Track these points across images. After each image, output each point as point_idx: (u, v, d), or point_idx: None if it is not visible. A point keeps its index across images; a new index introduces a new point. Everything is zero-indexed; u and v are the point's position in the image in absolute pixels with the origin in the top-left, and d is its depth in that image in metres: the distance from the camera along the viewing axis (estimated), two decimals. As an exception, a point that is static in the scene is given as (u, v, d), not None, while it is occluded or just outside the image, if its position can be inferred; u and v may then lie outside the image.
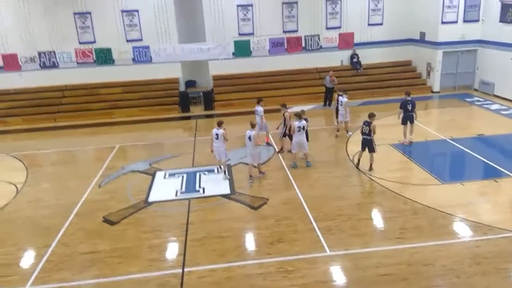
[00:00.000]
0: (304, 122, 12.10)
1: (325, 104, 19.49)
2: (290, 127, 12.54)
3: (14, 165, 14.04)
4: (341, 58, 22.50)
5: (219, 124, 11.86)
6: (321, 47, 22.21)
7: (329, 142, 14.81)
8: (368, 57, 22.22)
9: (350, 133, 14.90)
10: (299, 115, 12.20)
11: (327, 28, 22.14)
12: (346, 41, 22.26)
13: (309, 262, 7.86)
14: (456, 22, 20.26)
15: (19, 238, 9.41)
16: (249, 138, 11.54)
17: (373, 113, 11.75)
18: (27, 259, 8.58)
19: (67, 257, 8.46)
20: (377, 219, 9.48)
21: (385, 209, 9.73)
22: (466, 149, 13.18)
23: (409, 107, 13.68)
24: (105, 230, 9.47)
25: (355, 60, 22.20)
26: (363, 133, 11.78)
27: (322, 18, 22.01)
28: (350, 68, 22.31)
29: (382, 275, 7.38)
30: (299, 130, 12.02)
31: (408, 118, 13.73)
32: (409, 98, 13.73)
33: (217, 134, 11.82)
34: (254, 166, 11.94)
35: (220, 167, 12.44)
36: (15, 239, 9.32)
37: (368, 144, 11.67)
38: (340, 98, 14.98)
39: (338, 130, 15.28)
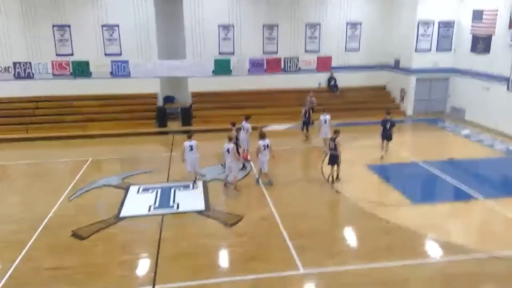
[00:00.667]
0: (267, 141, 12.32)
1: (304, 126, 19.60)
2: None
3: (-20, 177, 13.52)
4: (318, 80, 22.97)
5: (190, 137, 12.35)
6: (299, 69, 22.64)
7: (305, 161, 14.94)
8: (345, 80, 22.79)
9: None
10: (263, 135, 12.47)
11: (306, 51, 22.65)
12: (324, 64, 22.79)
13: (282, 280, 7.80)
14: (429, 50, 21.11)
15: (-19, 252, 8.97)
16: (227, 150, 11.75)
17: (337, 130, 12.54)
18: (-11, 274, 8.18)
19: (33, 273, 8.11)
20: (351, 238, 9.54)
21: (359, 228, 9.82)
22: (437, 172, 13.52)
23: (387, 125, 14.52)
24: (73, 245, 9.16)
25: (332, 83, 22.71)
26: (330, 149, 12.47)
27: (301, 41, 22.52)
28: (327, 90, 22.77)
29: (354, 294, 7.38)
30: (264, 149, 12.23)
31: (385, 135, 14.64)
32: (388, 118, 14.65)
33: (191, 146, 12.06)
34: (228, 183, 12.01)
35: (195, 181, 12.40)
36: (-23, 253, 8.88)
37: (334, 159, 12.27)
38: (323, 117, 15.48)
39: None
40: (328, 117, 15.48)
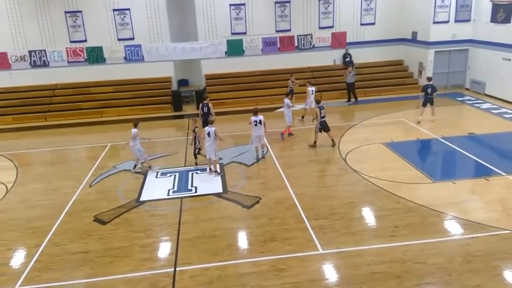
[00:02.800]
0: (260, 117, 12.74)
1: (348, 100, 19.77)
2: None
3: (4, 165, 13.87)
4: (333, 57, 22.56)
5: (211, 123, 12.11)
6: (313, 46, 22.24)
7: (321, 141, 14.79)
8: (361, 56, 22.32)
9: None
10: (255, 111, 12.85)
11: (320, 28, 22.19)
12: (338, 40, 22.32)
13: (301, 261, 7.85)
14: (447, 21, 20.40)
15: (8, 238, 9.26)
16: (208, 134, 11.87)
17: (318, 99, 13.81)
18: (17, 259, 8.46)
19: (58, 257, 8.36)
20: (370, 217, 9.50)
21: (377, 208, 9.75)
22: (457, 148, 13.26)
23: (429, 91, 15.53)
24: (96, 230, 9.38)
25: (347, 59, 22.26)
26: (322, 117, 13.54)
27: (315, 17, 22.05)
28: (343, 67, 22.36)
29: (374, 273, 7.39)
30: (256, 125, 12.65)
31: (428, 100, 15.68)
32: (429, 83, 15.70)
33: (208, 133, 11.83)
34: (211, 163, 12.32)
35: (211, 168, 12.36)
36: (5, 239, 9.18)
37: (327, 125, 13.43)
38: (310, 88, 16.74)
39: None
40: (314, 88, 16.75)
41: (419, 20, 21.21)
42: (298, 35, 22.00)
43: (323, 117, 13.59)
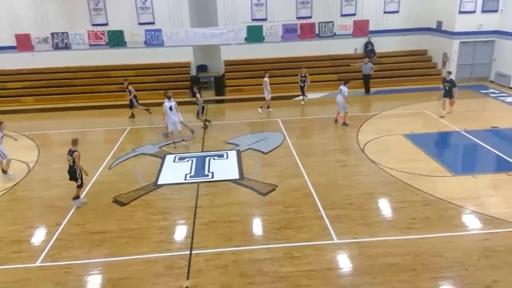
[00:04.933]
0: (173, 102, 13.27)
1: (366, 92, 19.48)
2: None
3: (26, 144, 14.20)
4: (355, 45, 22.18)
5: (169, 98, 13.26)
6: (335, 34, 21.89)
7: (339, 131, 14.68)
8: (383, 45, 21.87)
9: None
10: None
11: (342, 15, 21.80)
12: (360, 28, 21.91)
13: (316, 249, 7.86)
14: (474, 12, 19.79)
15: (30, 216, 9.54)
16: (170, 108, 13.02)
17: (76, 140, 9.88)
18: (38, 236, 8.72)
19: (77, 236, 8.58)
20: (387, 209, 9.42)
21: (395, 200, 9.65)
22: (479, 141, 12.97)
23: (447, 87, 15.10)
24: (114, 210, 9.57)
25: (369, 48, 21.86)
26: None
27: (337, 4, 21.66)
28: (364, 56, 21.97)
29: (389, 265, 7.35)
30: (171, 110, 13.16)
31: (447, 94, 15.22)
32: (449, 78, 15.21)
33: (170, 106, 12.98)
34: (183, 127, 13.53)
35: (174, 141, 13.39)
36: (27, 217, 9.46)
37: (70, 174, 9.78)
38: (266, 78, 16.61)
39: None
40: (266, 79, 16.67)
41: (445, 10, 20.62)
42: (319, 22, 21.68)
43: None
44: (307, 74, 17.84)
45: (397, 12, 21.92)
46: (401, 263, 7.40)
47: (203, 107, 15.26)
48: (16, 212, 9.69)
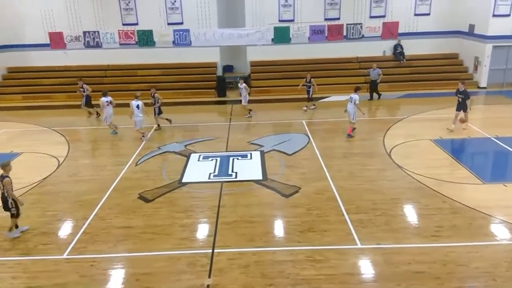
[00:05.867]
0: (140, 102, 14.04)
1: (371, 98, 18.97)
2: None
3: (57, 139, 14.65)
4: (383, 48, 21.85)
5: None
6: (363, 36, 21.61)
7: (365, 134, 14.47)
8: (412, 48, 21.48)
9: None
10: (136, 96, 14.25)
11: (371, 17, 21.52)
12: (390, 30, 21.55)
13: (338, 253, 7.76)
14: (508, 15, 19.16)
15: (59, 209, 9.82)
16: (137, 106, 13.94)
17: (6, 163, 8.48)
18: (66, 229, 8.96)
19: (103, 230, 8.77)
20: (412, 215, 9.20)
21: (421, 206, 9.42)
22: (510, 149, 12.52)
23: (460, 99, 14.07)
24: (140, 207, 9.74)
25: (398, 51, 21.49)
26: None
27: (366, 6, 21.39)
28: (393, 59, 21.64)
29: (414, 272, 7.18)
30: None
31: (461, 106, 14.12)
32: (462, 88, 14.04)
33: (138, 105, 13.88)
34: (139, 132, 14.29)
35: (143, 136, 14.21)
36: (56, 210, 9.74)
37: (2, 202, 8.47)
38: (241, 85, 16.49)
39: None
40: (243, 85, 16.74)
41: (477, 13, 20.04)
42: (347, 24, 21.45)
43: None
44: (312, 80, 17.31)
45: (428, 14, 21.46)
46: (426, 271, 7.21)
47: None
48: (45, 205, 9.99)
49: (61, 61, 21.61)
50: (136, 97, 14.20)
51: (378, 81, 18.42)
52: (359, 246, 7.98)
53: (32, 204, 9.99)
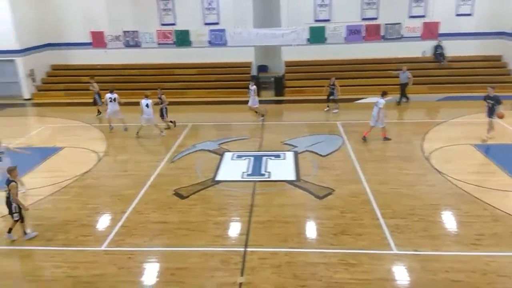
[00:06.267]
0: (115, 94, 15.20)
1: (399, 102, 18.31)
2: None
3: (97, 135, 15.19)
4: (423, 48, 21.22)
5: (112, 91, 15.32)
6: (402, 36, 21.08)
7: (402, 137, 14.12)
8: (453, 49, 20.74)
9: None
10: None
11: (410, 17, 20.95)
12: (430, 31, 20.90)
13: (373, 258, 7.62)
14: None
15: (98, 202, 10.18)
16: (147, 105, 14.52)
17: (13, 168, 8.52)
18: (105, 222, 9.28)
19: (140, 224, 9.01)
20: (452, 222, 8.89)
21: (461, 213, 9.10)
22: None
23: (489, 105, 13.11)
24: (175, 202, 9.94)
25: (438, 52, 20.82)
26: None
27: (405, 5, 20.85)
28: (433, 60, 20.98)
29: (452, 281, 6.95)
30: (111, 101, 15.23)
31: (491, 112, 13.16)
32: (492, 94, 13.11)
33: (113, 98, 15.04)
34: (156, 125, 15.08)
35: (110, 126, 15.41)
36: (95, 203, 10.10)
37: (7, 206, 8.49)
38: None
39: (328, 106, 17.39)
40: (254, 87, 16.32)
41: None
42: (385, 24, 21.00)
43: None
44: (336, 83, 17.04)
45: (470, 15, 20.67)
46: (464, 280, 6.97)
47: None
48: (86, 198, 10.37)
49: (102, 60, 22.33)
50: (146, 96, 14.69)
51: (410, 84, 17.84)
52: (395, 251, 7.80)
53: (74, 197, 10.42)
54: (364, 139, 13.52)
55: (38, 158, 12.90)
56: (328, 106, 17.46)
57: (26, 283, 7.31)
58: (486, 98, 13.30)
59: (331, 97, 17.24)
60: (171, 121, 15.87)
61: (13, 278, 7.43)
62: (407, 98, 18.27)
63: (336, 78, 17.56)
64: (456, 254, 7.67)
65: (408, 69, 17.90)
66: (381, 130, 13.57)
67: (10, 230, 8.61)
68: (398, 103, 18.06)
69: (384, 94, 13.39)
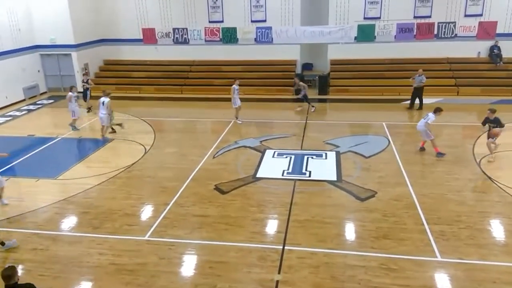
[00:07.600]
0: (108, 99, 14.20)
1: (411, 106, 17.36)
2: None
3: (145, 129, 15.73)
4: (478, 49, 20.14)
5: (107, 94, 14.41)
6: (456, 35, 20.11)
7: (452, 141, 13.50)
8: (511, 50, 19.48)
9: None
10: (106, 93, 14.45)
11: (466, 15, 19.94)
12: (487, 30, 19.80)
13: (415, 264, 7.37)
14: None
15: (143, 193, 10.56)
16: (103, 103, 14.05)
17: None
18: (148, 213, 9.62)
19: (181, 217, 9.25)
20: (501, 231, 8.41)
21: (511, 222, 8.58)
22: None
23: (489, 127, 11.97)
24: (215, 197, 10.11)
25: (495, 52, 19.68)
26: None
27: (461, 4, 19.87)
28: (488, 61, 19.87)
29: (500, 294, 6.60)
30: (101, 105, 14.29)
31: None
32: (491, 117, 11.89)
33: (103, 102, 14.08)
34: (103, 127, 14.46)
35: (103, 136, 14.46)
36: (140, 194, 10.49)
37: None
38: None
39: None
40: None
41: None
42: (439, 22, 20.13)
43: None
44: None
45: (533, 12, 19.35)
46: (514, 294, 6.59)
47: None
48: (131, 189, 10.79)
49: (152, 56, 23.09)
50: (107, 94, 14.44)
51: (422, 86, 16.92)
52: (439, 258, 7.49)
53: (120, 187, 10.88)
54: (422, 149, 12.63)
55: (89, 149, 13.63)
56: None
57: (72, 268, 7.69)
58: (486, 121, 12.07)
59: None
60: (117, 124, 15.27)
61: (61, 262, 7.83)
62: (421, 103, 17.16)
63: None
64: (504, 264, 7.26)
65: (423, 72, 16.97)
66: (432, 144, 12.46)
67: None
68: (410, 107, 17.23)
69: (436, 110, 12.38)
